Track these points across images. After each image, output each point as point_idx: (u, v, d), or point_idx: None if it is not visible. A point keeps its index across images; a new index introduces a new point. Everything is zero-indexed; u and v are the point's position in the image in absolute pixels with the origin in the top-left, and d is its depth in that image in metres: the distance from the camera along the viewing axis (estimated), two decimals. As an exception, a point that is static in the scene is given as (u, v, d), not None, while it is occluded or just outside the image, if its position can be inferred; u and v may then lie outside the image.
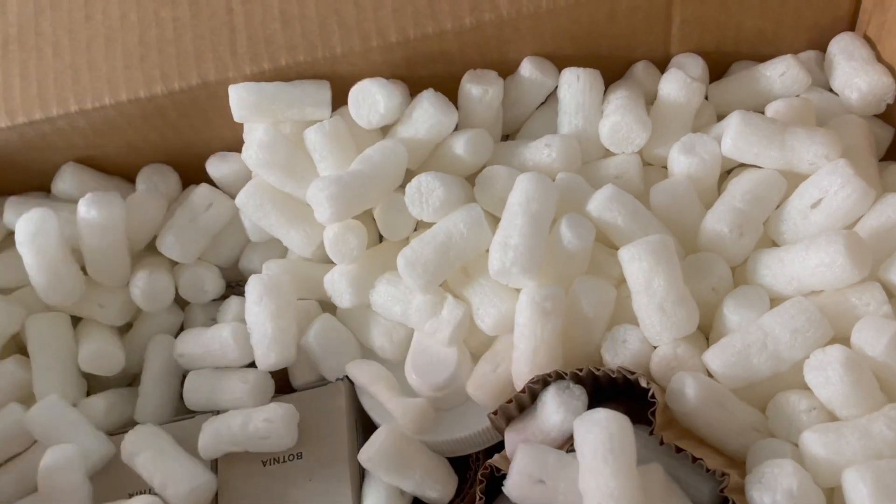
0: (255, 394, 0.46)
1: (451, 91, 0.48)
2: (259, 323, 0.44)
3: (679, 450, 0.36)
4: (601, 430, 0.34)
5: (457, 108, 0.48)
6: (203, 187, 0.51)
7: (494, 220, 0.44)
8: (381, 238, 0.49)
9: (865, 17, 0.49)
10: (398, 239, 0.47)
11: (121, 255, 0.49)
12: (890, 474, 0.34)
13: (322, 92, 0.48)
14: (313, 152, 0.47)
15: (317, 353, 0.46)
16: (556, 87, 0.49)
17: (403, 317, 0.44)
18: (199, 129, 0.51)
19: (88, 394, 0.49)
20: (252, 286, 0.45)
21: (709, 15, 0.48)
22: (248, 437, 0.43)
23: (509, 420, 0.40)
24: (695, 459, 0.36)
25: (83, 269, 0.49)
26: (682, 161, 0.44)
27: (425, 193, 0.44)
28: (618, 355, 0.40)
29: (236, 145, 0.51)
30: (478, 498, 0.38)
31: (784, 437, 0.38)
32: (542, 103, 0.50)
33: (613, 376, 0.39)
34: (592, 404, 0.37)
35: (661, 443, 0.36)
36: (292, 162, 0.47)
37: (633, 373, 0.38)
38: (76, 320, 0.50)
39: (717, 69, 0.51)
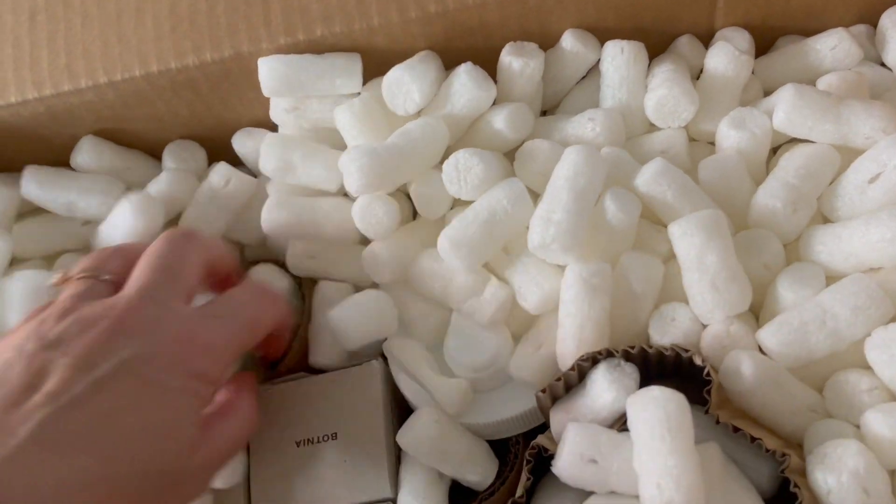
0: None
1: (489, 64, 0.47)
2: None
3: (736, 429, 0.35)
4: (658, 408, 0.33)
5: (496, 81, 0.47)
6: (221, 165, 0.50)
7: (534, 197, 0.43)
8: (414, 215, 0.48)
9: (918, -10, 0.47)
10: (435, 217, 0.46)
11: None
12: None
13: (353, 64, 0.46)
14: (344, 132, 0.46)
15: (349, 326, 0.44)
16: (598, 60, 0.47)
17: (443, 294, 0.43)
18: (230, 103, 0.50)
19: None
20: None
21: (757, -12, 0.47)
22: None
23: (556, 399, 0.39)
24: (753, 439, 0.35)
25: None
26: (731, 136, 0.43)
27: (463, 171, 0.43)
28: (666, 334, 0.39)
29: (267, 122, 0.49)
30: (525, 478, 0.37)
31: (843, 417, 0.37)
32: (583, 77, 0.49)
33: (666, 354, 0.37)
34: (640, 384, 0.36)
35: (717, 422, 0.35)
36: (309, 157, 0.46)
37: (686, 350, 0.37)
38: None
39: (762, 44, 0.49)
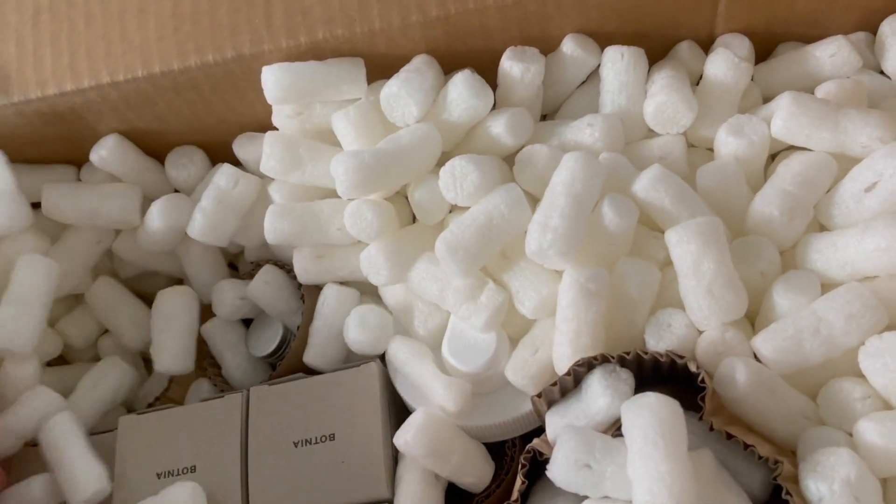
0: None
1: (490, 68, 0.47)
2: None
3: (730, 436, 0.35)
4: (651, 414, 0.33)
5: (496, 85, 0.47)
6: (226, 166, 0.50)
7: (533, 202, 0.43)
8: (414, 218, 0.48)
9: (918, -1, 0.48)
10: (432, 223, 0.46)
11: None
12: (951, 465, 0.33)
13: (357, 70, 0.46)
14: (341, 138, 0.47)
15: (350, 329, 0.45)
16: (598, 66, 0.48)
17: (440, 297, 0.43)
18: (231, 104, 0.50)
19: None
20: None
21: (761, -5, 0.47)
22: None
23: (551, 404, 0.39)
24: (746, 446, 0.35)
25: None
26: (730, 142, 0.43)
27: (459, 178, 0.43)
28: (662, 339, 0.39)
29: (268, 123, 0.49)
30: (520, 482, 0.37)
31: (836, 425, 0.37)
32: (583, 82, 0.49)
33: (661, 360, 0.37)
34: (635, 390, 0.36)
35: (711, 429, 0.35)
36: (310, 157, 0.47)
37: (681, 357, 0.37)
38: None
39: (763, 50, 0.49)
